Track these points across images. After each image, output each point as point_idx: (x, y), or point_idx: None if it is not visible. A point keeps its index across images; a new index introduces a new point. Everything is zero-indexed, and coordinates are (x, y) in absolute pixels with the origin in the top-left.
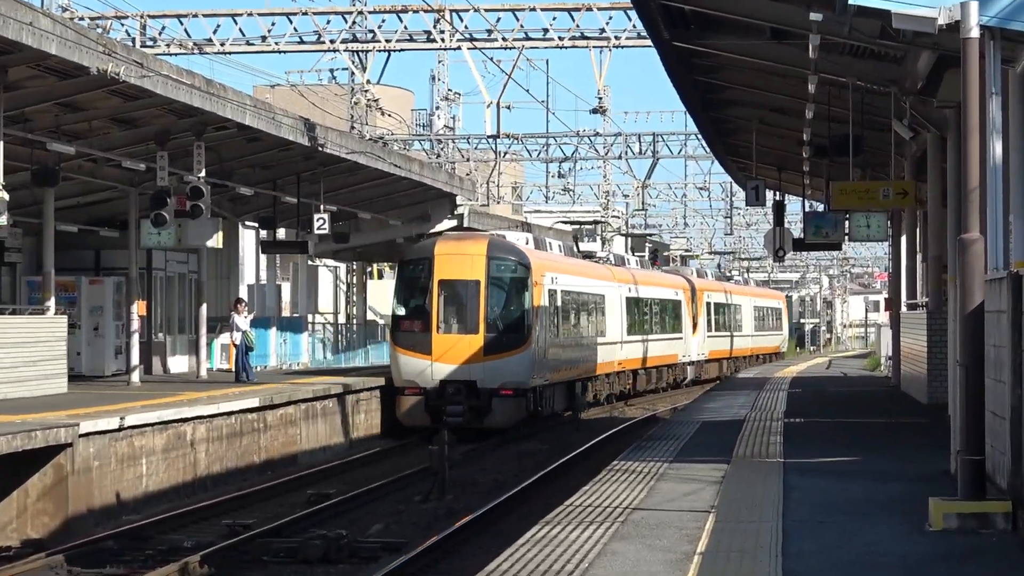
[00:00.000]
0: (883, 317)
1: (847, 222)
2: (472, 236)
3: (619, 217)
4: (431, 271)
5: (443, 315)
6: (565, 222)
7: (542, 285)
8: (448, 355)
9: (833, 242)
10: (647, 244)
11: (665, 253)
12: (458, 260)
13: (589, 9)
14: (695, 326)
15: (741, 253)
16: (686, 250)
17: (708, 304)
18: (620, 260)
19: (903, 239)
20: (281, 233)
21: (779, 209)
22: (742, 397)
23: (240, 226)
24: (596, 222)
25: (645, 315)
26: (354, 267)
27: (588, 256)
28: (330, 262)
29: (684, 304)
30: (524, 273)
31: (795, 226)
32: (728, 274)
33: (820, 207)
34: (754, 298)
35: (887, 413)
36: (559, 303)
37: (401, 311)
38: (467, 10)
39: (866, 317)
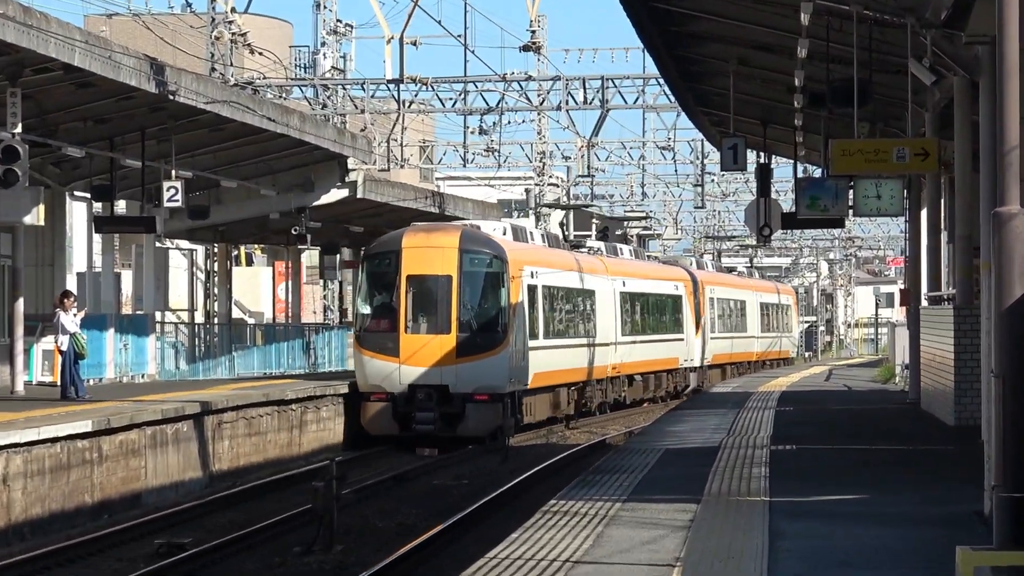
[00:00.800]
0: (898, 314)
1: (851, 192)
2: (443, 227)
3: (558, 185)
4: (398, 265)
5: (411, 313)
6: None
7: (521, 280)
8: (417, 357)
9: (833, 217)
10: (593, 220)
11: (618, 231)
12: (428, 253)
13: None
14: (698, 326)
15: (716, 231)
16: (644, 228)
17: (711, 300)
18: (612, 250)
19: (923, 213)
20: (121, 206)
21: (764, 175)
22: (715, 417)
23: (68, 197)
24: (528, 191)
25: (642, 313)
26: (215, 250)
27: (578, 246)
28: (185, 244)
29: (685, 300)
30: (500, 267)
31: (785, 197)
32: (696, 257)
33: (817, 172)
34: (760, 293)
35: (903, 437)
36: (541, 300)
37: (365, 309)
38: None
39: (876, 314)
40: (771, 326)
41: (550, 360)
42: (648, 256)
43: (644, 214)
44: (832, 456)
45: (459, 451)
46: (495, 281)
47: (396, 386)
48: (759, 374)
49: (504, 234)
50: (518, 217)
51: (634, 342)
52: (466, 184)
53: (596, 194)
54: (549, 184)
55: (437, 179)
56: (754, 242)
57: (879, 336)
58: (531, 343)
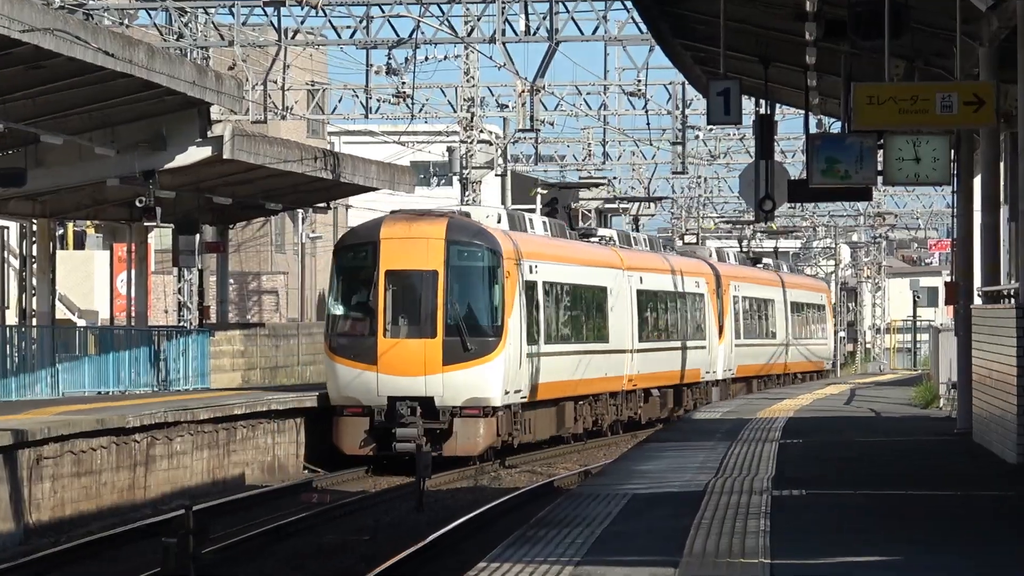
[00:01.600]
0: (943, 315)
1: (880, 153)
2: (428, 216)
3: (492, 143)
4: (376, 259)
5: (391, 315)
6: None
7: (518, 275)
8: (398, 365)
9: (857, 187)
10: (538, 190)
11: (573, 205)
12: (410, 246)
13: None
14: (721, 330)
15: (701, 204)
16: (605, 200)
17: (736, 299)
18: (626, 239)
19: (976, 182)
20: None
21: (765, 130)
22: (700, 452)
23: None
24: (451, 151)
25: (661, 315)
26: (34, 228)
27: (587, 236)
28: None
29: (708, 300)
30: (494, 261)
31: (793, 160)
32: (680, 238)
33: (835, 127)
34: (790, 290)
35: (948, 480)
36: (542, 298)
37: (338, 310)
38: None
39: (914, 315)
40: (803, 331)
41: (554, 369)
42: (647, 243)
43: (606, 180)
44: (854, 505)
45: (357, 496)
46: (488, 277)
47: (373, 398)
48: (759, 395)
49: (499, 222)
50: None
51: (652, 350)
52: (369, 141)
53: (543, 155)
54: (480, 141)
55: (330, 134)
56: (751, 219)
57: (918, 345)
58: (531, 349)
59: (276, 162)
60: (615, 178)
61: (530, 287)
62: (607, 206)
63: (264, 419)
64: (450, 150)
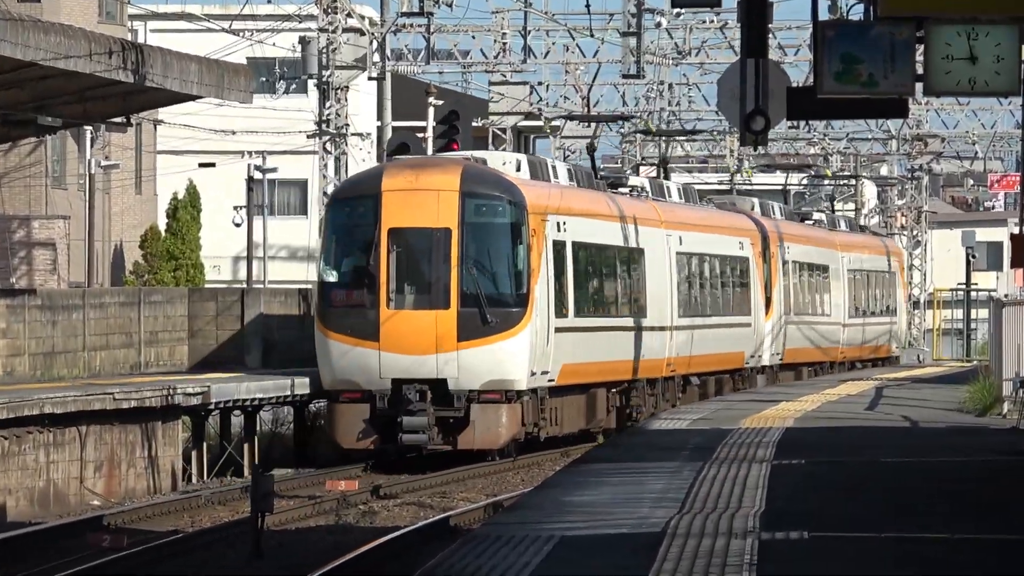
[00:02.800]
0: (1010, 282)
1: (921, 50)
2: (437, 162)
3: (364, 33)
4: (377, 215)
5: (396, 282)
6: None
7: (544, 234)
8: (404, 341)
9: (886, 97)
10: (430, 100)
11: (475, 123)
12: (417, 199)
13: None
14: (768, 304)
15: (662, 124)
16: (525, 114)
17: (785, 265)
18: (659, 190)
19: None
20: None
21: (755, 14)
22: (660, 477)
23: None
24: (305, 43)
25: (702, 284)
26: None
27: (615, 186)
28: None
29: (753, 265)
30: (517, 216)
31: (794, 60)
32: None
33: (856, 12)
34: (849, 254)
35: (1017, 519)
36: (571, 261)
37: (331, 276)
38: None
39: (968, 282)
40: (867, 306)
41: (585, 348)
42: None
43: (528, 86)
44: (880, 555)
45: (168, 539)
46: (511, 236)
47: (375, 381)
48: (743, 396)
49: (517, 170)
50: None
51: (693, 327)
52: (189, 29)
53: (437, 50)
54: (347, 30)
55: (133, 18)
56: (736, 145)
57: (972, 325)
58: (559, 322)
59: (54, 57)
60: (540, 84)
61: (558, 248)
62: (527, 123)
63: (35, 427)
64: (304, 42)
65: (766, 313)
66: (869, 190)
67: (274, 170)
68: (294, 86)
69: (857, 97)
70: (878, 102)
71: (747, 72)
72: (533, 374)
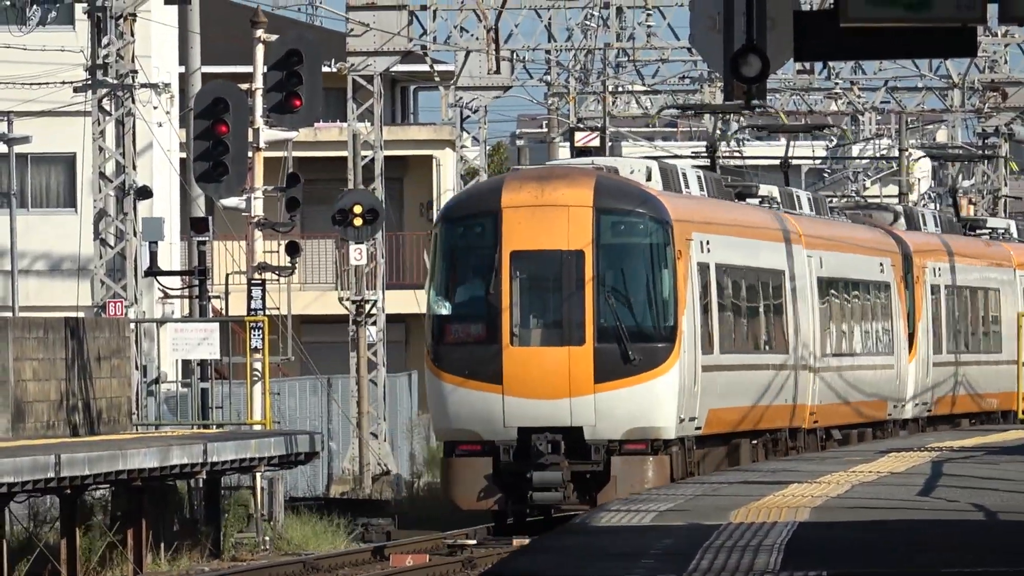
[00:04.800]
0: None
1: None
2: (565, 173)
3: None
4: (496, 236)
5: (521, 314)
6: None
7: (689, 256)
8: (532, 384)
9: (940, 23)
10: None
11: (327, 67)
12: (544, 217)
13: None
14: (912, 339)
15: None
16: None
17: (935, 291)
18: (788, 200)
19: None
20: None
21: None
22: None
23: None
24: None
25: (845, 315)
26: None
27: (743, 195)
28: None
29: (894, 292)
30: (662, 235)
31: None
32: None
33: None
34: (1018, 271)
35: None
36: (715, 289)
37: (443, 308)
38: None
39: None
40: None
41: (730, 390)
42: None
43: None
44: None
45: None
46: (654, 258)
47: (498, 431)
48: (737, 470)
49: (648, 179)
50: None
51: (839, 368)
52: None
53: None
54: None
55: None
56: (719, 99)
57: None
58: (705, 360)
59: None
60: (423, 8)
61: (702, 272)
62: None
63: None
64: None
65: (910, 352)
66: (921, 165)
67: (26, 140)
68: (53, 14)
69: (900, 27)
70: (931, 34)
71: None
72: (681, 420)
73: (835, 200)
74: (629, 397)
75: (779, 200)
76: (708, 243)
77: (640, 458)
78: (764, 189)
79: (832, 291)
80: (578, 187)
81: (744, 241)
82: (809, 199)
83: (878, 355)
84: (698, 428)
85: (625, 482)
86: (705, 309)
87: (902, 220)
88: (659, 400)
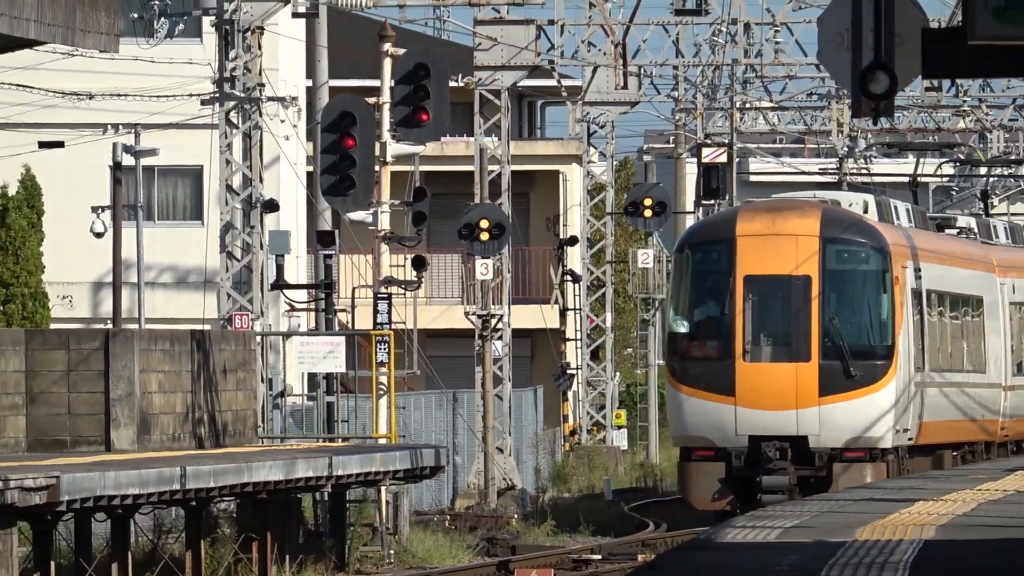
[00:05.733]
0: None
1: None
2: (794, 206)
3: None
4: (731, 262)
5: (752, 333)
6: None
7: (904, 282)
8: (762, 396)
9: None
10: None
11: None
12: (774, 244)
13: None
14: None
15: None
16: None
17: None
18: (985, 230)
19: None
20: None
21: None
22: None
23: None
24: None
25: None
26: None
27: (943, 226)
28: None
29: None
30: (882, 263)
31: None
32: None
33: None
34: None
35: None
36: (925, 312)
37: (681, 326)
38: None
39: None
40: None
41: (937, 405)
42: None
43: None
44: None
45: None
46: (874, 284)
47: (730, 438)
48: (853, 492)
49: (865, 211)
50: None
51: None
52: None
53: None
54: None
55: None
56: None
57: None
58: (917, 377)
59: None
60: (551, 23)
61: (916, 297)
62: (533, 82)
63: None
64: None
65: None
66: None
67: (153, 152)
68: (181, 27)
69: None
70: None
71: (862, 6)
72: (896, 431)
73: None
74: (850, 409)
75: (976, 231)
76: (919, 270)
77: (859, 465)
78: (962, 220)
79: (1022, 315)
80: (806, 218)
81: (948, 268)
82: (1005, 229)
83: None
84: (910, 439)
85: (846, 486)
86: (917, 331)
87: None
88: (877, 412)
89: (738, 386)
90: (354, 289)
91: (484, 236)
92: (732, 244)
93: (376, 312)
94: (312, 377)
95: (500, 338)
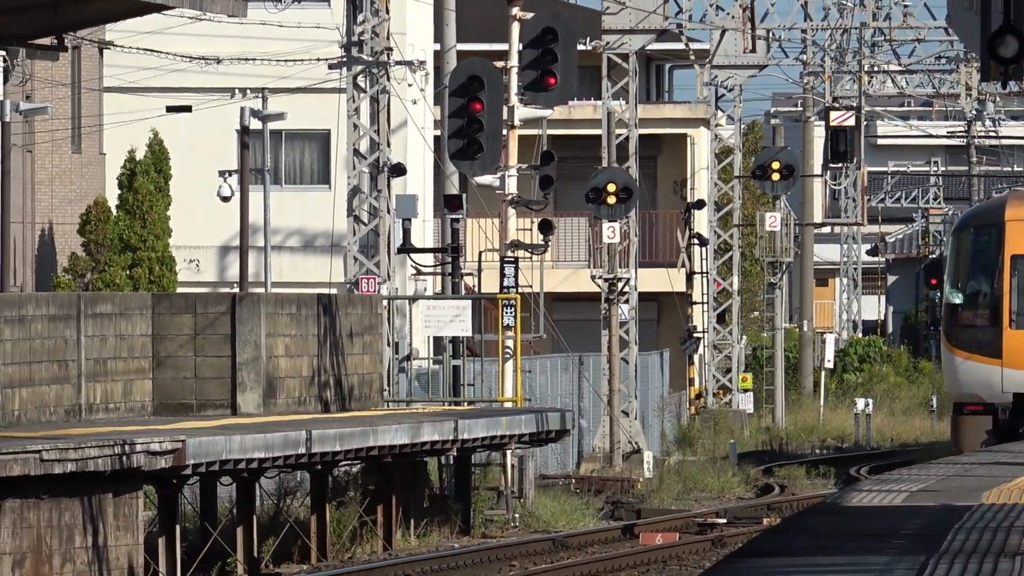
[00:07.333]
0: None
1: None
2: None
3: None
4: (1000, 243)
5: (1018, 304)
6: None
7: None
8: None
9: None
10: (514, 8)
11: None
12: None
13: None
14: None
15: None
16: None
17: None
18: None
19: None
20: None
21: None
22: None
23: None
24: None
25: None
26: None
27: None
28: None
29: None
30: None
31: None
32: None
33: None
34: None
35: None
36: None
37: (956, 298)
38: None
39: None
40: None
41: None
42: None
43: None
44: None
45: None
46: None
47: (997, 395)
48: (975, 456)
49: None
50: None
51: None
52: None
53: None
54: None
55: None
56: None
57: None
58: None
59: None
60: None
61: None
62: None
63: None
64: None
65: None
66: None
67: (281, 116)
68: None
69: None
70: None
71: None
72: None
73: None
74: None
75: None
76: None
77: None
78: None
79: None
80: None
81: None
82: None
83: None
84: None
85: None
86: None
87: None
88: None
89: (1005, 350)
90: (480, 253)
91: (611, 200)
92: (1001, 227)
93: (503, 276)
94: (438, 341)
95: (627, 302)
